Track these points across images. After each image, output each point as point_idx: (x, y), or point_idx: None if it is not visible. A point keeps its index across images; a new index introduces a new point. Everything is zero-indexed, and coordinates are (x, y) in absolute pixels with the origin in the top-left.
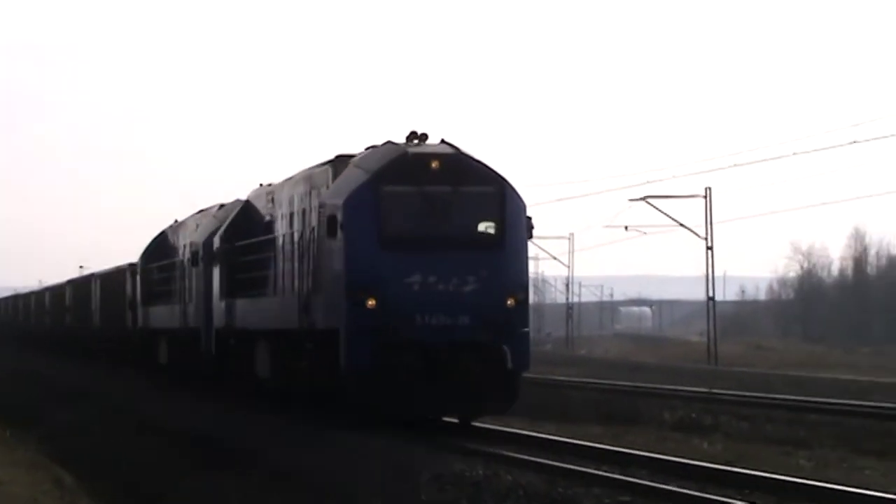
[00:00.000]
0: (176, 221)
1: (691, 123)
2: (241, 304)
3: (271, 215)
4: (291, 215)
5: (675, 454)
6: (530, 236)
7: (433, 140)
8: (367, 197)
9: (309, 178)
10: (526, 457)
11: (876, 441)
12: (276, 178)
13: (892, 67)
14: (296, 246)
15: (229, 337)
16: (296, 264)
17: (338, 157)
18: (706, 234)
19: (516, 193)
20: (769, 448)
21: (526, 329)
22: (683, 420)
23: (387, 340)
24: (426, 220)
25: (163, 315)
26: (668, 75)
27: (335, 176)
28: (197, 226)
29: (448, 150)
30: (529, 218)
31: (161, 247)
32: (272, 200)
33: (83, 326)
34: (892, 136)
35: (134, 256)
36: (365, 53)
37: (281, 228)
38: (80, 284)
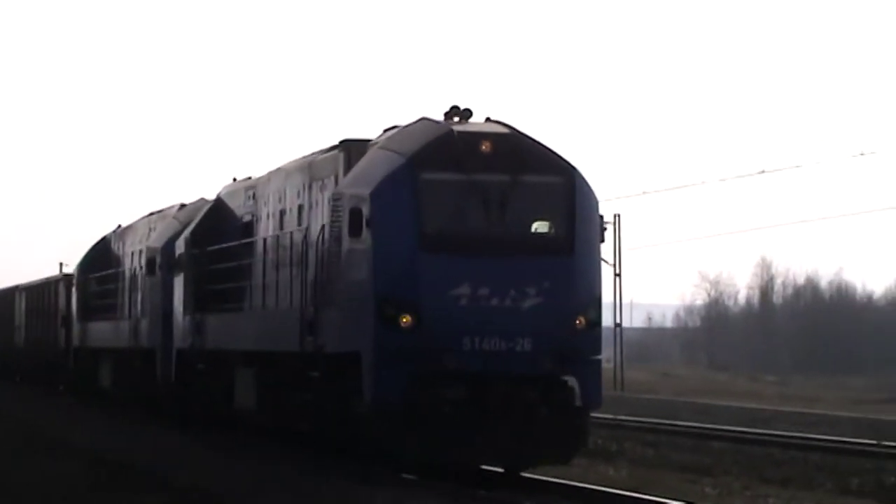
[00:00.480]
0: (119, 226)
1: (601, 150)
2: (213, 320)
3: (253, 214)
4: (282, 213)
5: (579, 480)
6: (603, 239)
7: (476, 118)
8: (403, 186)
9: (308, 168)
10: (428, 482)
11: (779, 469)
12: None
13: (800, 99)
14: (292, 249)
15: (196, 360)
16: (294, 271)
17: (344, 141)
18: (614, 260)
19: (588, 186)
20: (674, 475)
21: (598, 357)
22: (588, 446)
23: (425, 369)
24: (476, 217)
25: (106, 333)
26: (576, 101)
27: (348, 162)
28: (150, 229)
29: (502, 129)
30: (602, 217)
31: (102, 255)
32: (253, 196)
33: (4, 346)
34: (800, 166)
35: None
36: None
37: (267, 229)
38: (1, 298)
